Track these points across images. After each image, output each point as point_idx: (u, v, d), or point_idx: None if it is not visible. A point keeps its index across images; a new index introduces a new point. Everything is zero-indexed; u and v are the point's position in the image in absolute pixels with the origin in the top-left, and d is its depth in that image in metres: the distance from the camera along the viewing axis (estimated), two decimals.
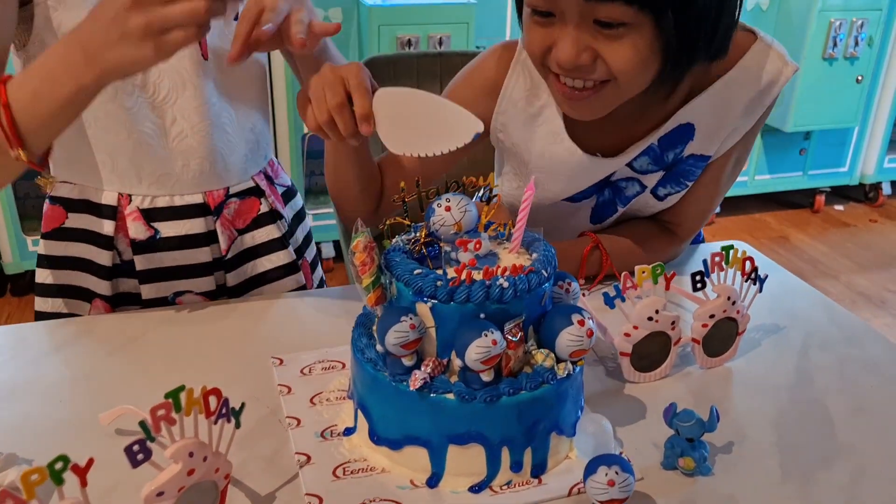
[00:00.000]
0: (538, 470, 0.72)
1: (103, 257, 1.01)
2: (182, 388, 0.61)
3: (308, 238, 1.22)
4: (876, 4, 3.09)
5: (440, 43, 2.63)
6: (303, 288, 1.14)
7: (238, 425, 0.66)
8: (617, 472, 0.64)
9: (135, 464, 0.59)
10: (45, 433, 0.77)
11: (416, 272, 0.69)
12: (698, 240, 1.22)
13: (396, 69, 1.89)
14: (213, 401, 0.63)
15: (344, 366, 0.87)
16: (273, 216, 1.10)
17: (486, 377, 0.67)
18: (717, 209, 3.44)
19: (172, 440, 0.61)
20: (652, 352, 0.85)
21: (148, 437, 0.59)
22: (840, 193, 3.74)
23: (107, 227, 1.00)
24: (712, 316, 0.86)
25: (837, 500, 0.71)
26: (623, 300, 0.82)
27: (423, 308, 0.68)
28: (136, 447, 0.59)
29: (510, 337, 0.67)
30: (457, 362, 0.68)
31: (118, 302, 1.04)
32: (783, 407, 0.84)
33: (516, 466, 0.71)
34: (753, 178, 3.42)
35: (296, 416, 0.79)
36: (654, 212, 1.06)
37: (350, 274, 1.08)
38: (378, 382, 0.70)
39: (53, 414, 0.80)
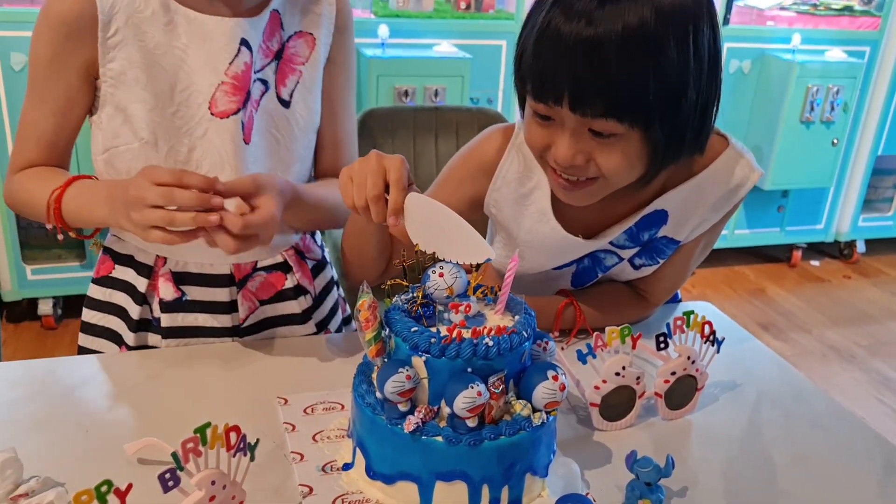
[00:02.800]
0: None
1: (135, 311, 1.11)
2: (208, 424, 0.71)
3: (335, 308, 1.28)
4: (851, 73, 3.26)
5: (436, 94, 2.76)
6: None
7: (253, 458, 0.76)
8: None
9: (166, 489, 0.68)
10: (75, 460, 0.86)
11: (413, 329, 0.79)
12: (675, 299, 1.32)
13: (394, 121, 2.01)
14: (233, 436, 0.73)
15: (343, 407, 0.96)
16: (297, 291, 1.17)
17: (471, 423, 0.77)
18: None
19: (198, 469, 0.71)
20: (619, 403, 0.95)
21: (178, 466, 0.69)
22: (816, 249, 3.88)
23: (142, 284, 1.10)
24: (673, 373, 0.97)
25: None
26: (594, 357, 0.93)
27: (418, 361, 0.79)
28: (167, 475, 0.68)
29: (493, 389, 0.77)
30: (446, 410, 0.78)
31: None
32: (733, 456, 0.94)
33: (495, 502, 0.80)
34: (733, 233, 3.55)
35: (299, 451, 0.89)
36: (630, 279, 1.17)
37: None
38: (376, 424, 0.80)
39: (81, 443, 0.89)
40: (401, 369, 0.77)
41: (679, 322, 0.96)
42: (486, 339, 0.78)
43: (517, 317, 0.83)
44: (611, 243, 1.09)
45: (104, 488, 0.64)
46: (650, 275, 1.16)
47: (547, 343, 0.87)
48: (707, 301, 1.33)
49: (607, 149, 0.93)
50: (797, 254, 3.74)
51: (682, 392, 0.99)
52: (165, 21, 1.02)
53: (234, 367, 1.05)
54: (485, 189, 1.10)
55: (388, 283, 0.86)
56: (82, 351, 1.17)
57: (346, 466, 0.86)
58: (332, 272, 1.28)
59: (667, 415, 0.99)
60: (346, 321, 1.32)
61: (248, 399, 0.98)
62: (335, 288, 1.29)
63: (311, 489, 0.83)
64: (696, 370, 0.98)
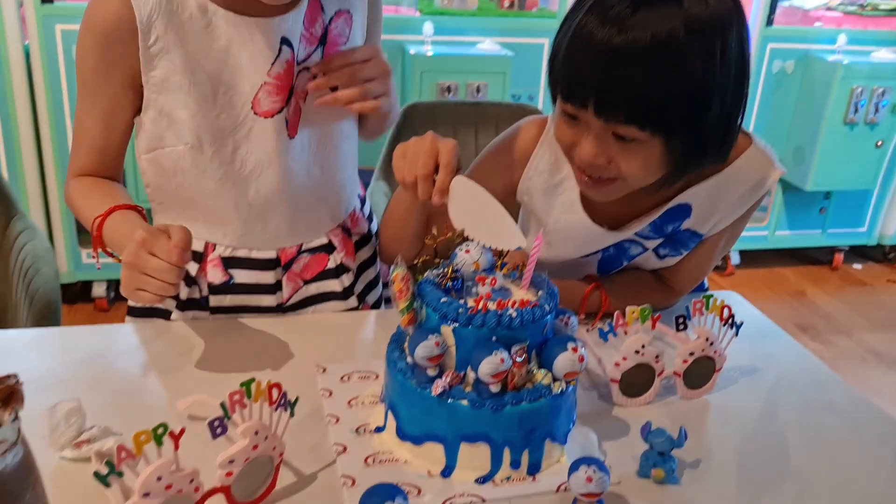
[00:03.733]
0: (533, 469, 0.87)
1: (183, 292, 1.18)
2: (252, 380, 0.78)
3: (375, 280, 1.33)
4: None
5: (478, 91, 2.82)
6: None
7: (292, 414, 0.82)
8: (595, 471, 0.78)
9: (214, 435, 0.75)
10: (130, 414, 0.93)
11: (442, 300, 0.85)
12: (702, 287, 1.36)
13: (435, 115, 2.07)
14: (275, 392, 0.80)
15: (377, 376, 1.03)
16: (339, 270, 1.23)
17: (495, 389, 0.83)
18: (736, 261, 3.57)
19: (243, 421, 0.78)
20: (638, 380, 1.00)
21: (226, 415, 0.76)
22: (859, 253, 3.84)
23: (192, 268, 1.17)
24: (692, 354, 1.01)
25: None
26: (615, 335, 0.98)
27: (447, 330, 0.84)
28: (216, 422, 0.75)
29: (516, 357, 0.83)
30: (471, 375, 0.84)
31: None
32: (748, 435, 0.98)
33: (515, 464, 0.86)
34: (774, 234, 3.54)
35: (335, 414, 0.95)
36: (655, 268, 1.22)
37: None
38: (406, 388, 0.86)
39: (137, 399, 0.97)
40: (430, 336, 0.83)
41: (698, 305, 1.00)
42: (511, 311, 0.83)
43: (541, 292, 0.89)
44: (636, 234, 1.14)
45: (160, 430, 0.71)
46: (674, 265, 1.20)
47: (568, 318, 0.92)
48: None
49: (629, 153, 0.97)
50: (839, 256, 3.72)
51: (700, 373, 1.03)
52: (204, 24, 1.03)
53: (277, 339, 1.12)
54: (518, 177, 1.15)
55: (420, 259, 0.92)
56: (133, 311, 1.24)
57: (378, 429, 0.92)
58: (376, 244, 1.32)
59: (685, 394, 1.03)
60: (387, 300, 1.38)
61: (289, 367, 1.05)
62: (377, 261, 1.33)
63: (344, 448, 0.89)
64: (715, 352, 1.02)
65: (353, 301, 1.26)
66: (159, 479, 0.71)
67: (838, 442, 0.98)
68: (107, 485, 0.69)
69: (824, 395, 1.08)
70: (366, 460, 0.88)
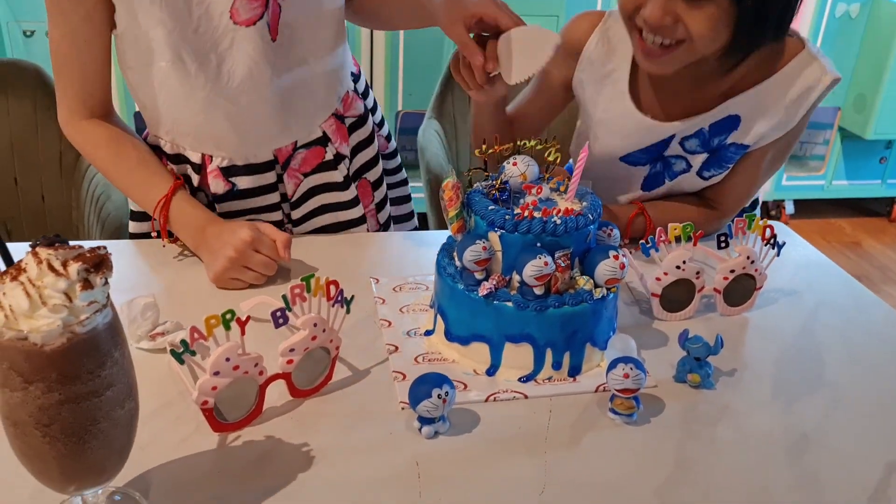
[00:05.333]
0: (574, 371, 0.92)
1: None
2: (312, 275, 0.84)
3: (374, 160, 1.32)
4: None
5: None
6: (362, 220, 1.29)
7: (348, 311, 0.88)
8: (632, 369, 0.83)
9: (277, 325, 0.81)
10: (201, 312, 1.00)
11: (490, 208, 0.89)
12: (753, 208, 1.38)
13: None
14: (332, 289, 0.86)
15: (427, 287, 1.08)
16: (337, 160, 1.22)
17: (538, 291, 0.87)
18: (791, 210, 3.52)
19: (303, 313, 0.84)
20: (679, 295, 1.04)
21: (287, 307, 0.82)
22: None
23: (195, 178, 1.18)
24: (733, 271, 1.04)
25: (813, 418, 0.88)
26: (657, 250, 1.01)
27: (494, 236, 0.89)
28: (278, 313, 0.81)
29: (560, 262, 0.87)
30: (516, 280, 0.88)
31: None
32: (785, 350, 1.01)
33: (557, 365, 0.91)
34: (831, 184, 3.48)
35: (387, 319, 1.01)
36: (699, 189, 1.24)
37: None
38: (455, 291, 0.91)
39: (205, 301, 1.04)
40: (478, 241, 0.88)
41: (741, 224, 1.03)
42: (555, 218, 0.87)
43: (585, 203, 0.92)
44: (683, 147, 1.17)
45: (228, 315, 0.77)
46: (720, 185, 1.22)
47: (611, 230, 0.96)
48: None
49: (696, 11, 1.01)
50: None
51: (740, 291, 1.06)
52: None
53: (334, 254, 1.18)
54: (573, 70, 1.21)
55: (470, 171, 0.96)
56: (133, 236, 1.25)
57: (428, 332, 0.98)
58: (372, 122, 1.31)
59: (725, 311, 1.07)
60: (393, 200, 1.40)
61: (344, 277, 1.10)
62: (375, 140, 1.31)
63: (396, 347, 0.95)
64: (756, 270, 1.05)
65: (353, 191, 1.26)
66: (228, 360, 0.78)
67: (877, 362, 1.00)
68: (181, 361, 0.76)
69: (866, 317, 1.10)
70: (416, 359, 0.93)
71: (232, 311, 0.77)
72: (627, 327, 1.02)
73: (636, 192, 1.25)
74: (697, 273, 1.03)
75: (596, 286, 0.90)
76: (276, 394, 0.85)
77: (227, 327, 0.77)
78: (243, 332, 0.78)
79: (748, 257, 1.04)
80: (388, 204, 1.38)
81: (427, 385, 0.79)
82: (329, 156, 1.23)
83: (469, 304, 0.90)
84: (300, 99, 1.17)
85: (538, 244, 0.87)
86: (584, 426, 0.85)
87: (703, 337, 0.91)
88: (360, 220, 1.28)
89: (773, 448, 0.83)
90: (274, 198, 1.23)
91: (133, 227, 1.26)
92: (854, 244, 3.46)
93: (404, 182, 1.44)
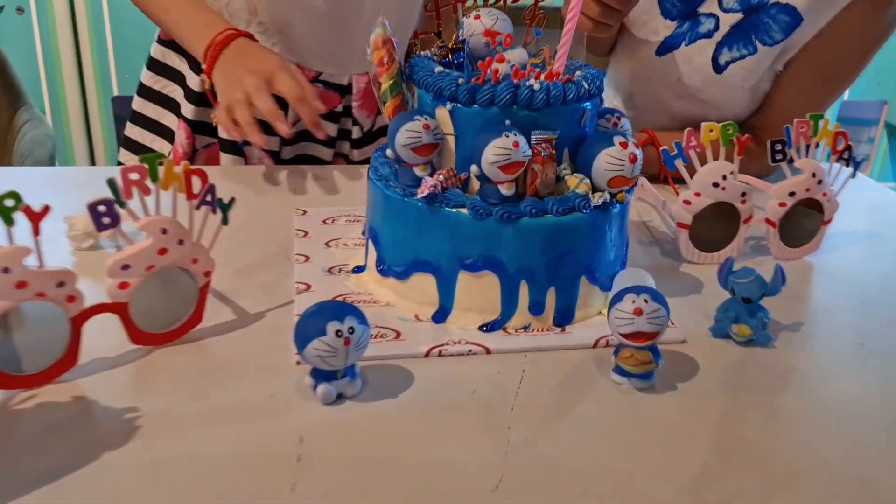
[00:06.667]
0: (563, 318, 0.62)
1: (194, 80, 0.97)
2: (160, 155, 0.55)
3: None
4: None
5: None
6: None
7: (225, 221, 0.60)
8: (647, 301, 0.53)
9: (100, 227, 0.53)
10: None
11: (437, 71, 0.61)
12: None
13: None
14: (196, 182, 0.57)
15: None
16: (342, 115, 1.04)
17: (506, 190, 0.58)
18: None
19: (146, 214, 0.55)
20: (716, 228, 0.74)
21: (117, 200, 0.54)
22: None
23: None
24: (792, 194, 0.74)
25: None
26: (685, 160, 0.72)
27: (443, 113, 0.60)
28: (101, 207, 0.53)
29: (539, 149, 0.58)
30: (475, 176, 0.59)
31: (197, 129, 0.99)
32: (868, 301, 0.71)
33: (536, 308, 0.61)
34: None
35: (305, 253, 0.72)
36: (710, 96, 0.94)
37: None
38: (388, 201, 0.62)
39: None
40: (417, 117, 0.59)
41: (803, 128, 0.73)
42: (532, 82, 0.58)
43: (579, 72, 0.63)
44: (720, 4, 0.90)
45: (10, 201, 0.49)
46: (760, 111, 0.94)
47: (619, 119, 0.67)
48: None
49: None
50: None
51: (802, 224, 0.76)
52: None
53: (264, 186, 0.90)
54: None
55: (418, 36, 0.68)
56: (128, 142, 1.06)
57: (358, 269, 0.69)
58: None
59: (781, 252, 0.77)
60: None
61: (266, 211, 0.82)
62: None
63: (308, 286, 0.66)
64: (824, 194, 0.75)
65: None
66: (6, 271, 0.49)
67: None
68: None
69: None
70: (333, 299, 0.65)
71: (16, 195, 0.49)
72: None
73: (648, 60, 0.96)
74: (743, 196, 0.73)
75: (594, 190, 0.61)
76: (117, 339, 0.57)
77: (8, 221, 0.49)
78: (37, 231, 0.50)
79: (814, 175, 0.74)
80: None
81: (320, 318, 0.50)
82: (340, 108, 1.02)
83: (406, 214, 0.61)
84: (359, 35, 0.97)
85: (507, 122, 0.58)
86: (573, 392, 0.55)
87: (755, 269, 0.61)
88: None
89: (866, 425, 0.53)
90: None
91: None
92: None
93: None
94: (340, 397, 0.53)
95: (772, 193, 0.75)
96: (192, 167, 0.57)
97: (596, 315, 0.64)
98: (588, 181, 0.60)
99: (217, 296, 0.65)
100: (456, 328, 0.61)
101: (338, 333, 0.50)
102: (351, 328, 0.50)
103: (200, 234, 0.58)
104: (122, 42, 2.45)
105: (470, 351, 0.59)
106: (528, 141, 0.57)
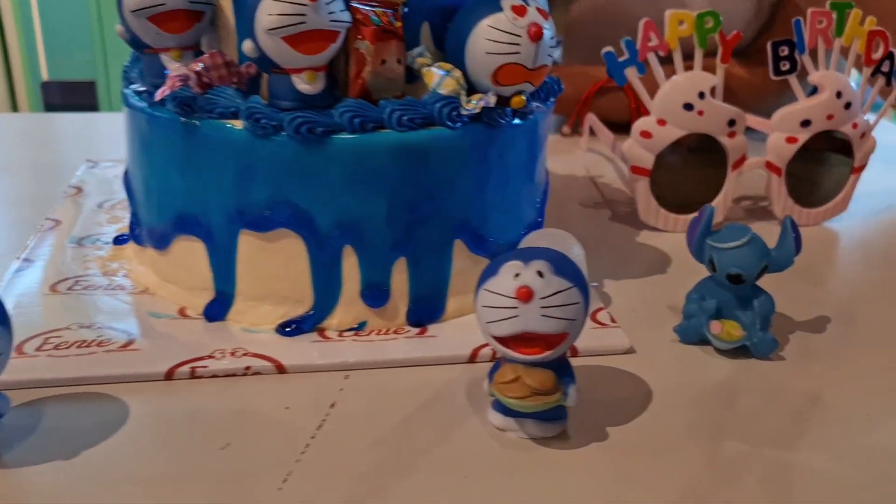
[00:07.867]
0: (422, 313, 0.37)
1: None
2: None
3: None
4: None
5: None
6: None
7: None
8: (541, 274, 0.28)
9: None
10: None
11: None
12: None
13: None
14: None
15: None
16: None
17: (305, 84, 0.33)
18: None
19: None
20: (689, 177, 0.49)
21: None
22: None
23: None
24: (807, 124, 0.49)
25: None
26: (641, 70, 0.46)
27: None
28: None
29: (367, 14, 0.33)
30: (248, 49, 0.34)
31: None
32: None
33: (374, 294, 0.36)
34: None
35: (57, 217, 0.47)
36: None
37: None
38: (132, 117, 0.37)
39: None
40: None
41: (822, 21, 0.48)
42: None
43: None
44: None
45: None
46: (768, 28, 0.68)
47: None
48: None
49: None
50: None
51: (821, 171, 0.51)
52: None
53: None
54: None
55: None
56: None
57: (122, 239, 0.44)
58: None
59: (790, 211, 0.51)
60: None
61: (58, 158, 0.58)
62: None
63: (29, 263, 0.41)
64: (853, 125, 0.50)
65: None
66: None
67: None
68: None
69: None
70: (52, 288, 0.39)
71: None
72: (585, 244, 0.47)
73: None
74: (731, 126, 0.48)
75: (472, 89, 0.35)
76: None
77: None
78: None
79: (839, 95, 0.48)
80: None
81: None
82: None
83: (152, 137, 0.36)
84: None
85: None
86: (418, 447, 0.30)
87: (749, 227, 0.36)
88: None
89: None
90: None
91: None
92: None
93: None
94: None
95: (775, 124, 0.49)
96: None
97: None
98: (462, 76, 0.35)
99: None
100: (239, 329, 0.36)
101: None
102: None
103: None
104: (51, 23, 2.21)
105: (248, 368, 0.33)
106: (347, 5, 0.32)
